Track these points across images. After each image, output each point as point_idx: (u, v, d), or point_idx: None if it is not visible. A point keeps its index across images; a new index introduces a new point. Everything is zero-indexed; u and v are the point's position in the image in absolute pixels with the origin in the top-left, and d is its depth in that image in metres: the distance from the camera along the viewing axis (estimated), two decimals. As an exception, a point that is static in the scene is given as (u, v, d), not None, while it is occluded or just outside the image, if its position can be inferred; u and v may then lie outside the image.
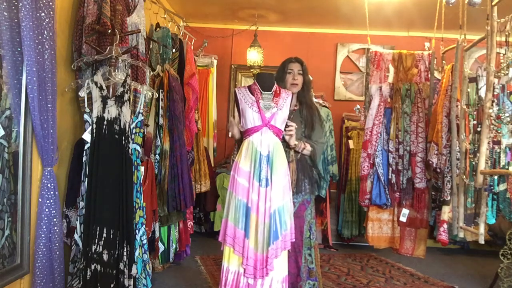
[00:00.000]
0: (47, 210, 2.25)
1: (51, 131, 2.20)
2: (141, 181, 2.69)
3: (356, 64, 5.69)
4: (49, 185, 2.26)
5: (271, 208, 2.48)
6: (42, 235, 2.24)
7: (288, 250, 2.63)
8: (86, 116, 2.47)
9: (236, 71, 5.72)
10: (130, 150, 2.47)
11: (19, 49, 2.03)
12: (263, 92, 2.64)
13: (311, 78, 2.96)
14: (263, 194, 2.48)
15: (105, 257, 2.35)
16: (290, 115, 2.79)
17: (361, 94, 5.38)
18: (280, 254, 2.49)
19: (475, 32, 3.47)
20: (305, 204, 2.79)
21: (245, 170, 2.54)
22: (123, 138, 2.44)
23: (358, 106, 4.98)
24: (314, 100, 3.53)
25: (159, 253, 3.48)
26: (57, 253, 2.30)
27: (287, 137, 2.66)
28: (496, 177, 3.05)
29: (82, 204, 2.44)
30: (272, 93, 2.63)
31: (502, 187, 3.08)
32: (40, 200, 2.26)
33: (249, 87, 2.69)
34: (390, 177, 4.01)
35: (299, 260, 2.71)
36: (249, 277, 2.46)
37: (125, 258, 2.36)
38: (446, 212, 3.81)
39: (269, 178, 2.50)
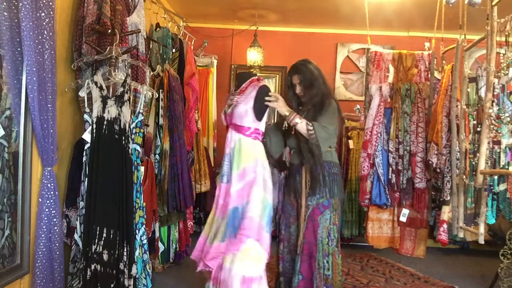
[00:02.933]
0: (47, 210, 2.25)
1: (51, 131, 2.20)
2: (141, 181, 2.69)
3: (356, 64, 5.69)
4: (49, 185, 2.26)
5: (230, 204, 2.52)
6: (42, 235, 2.24)
7: (303, 254, 2.63)
8: (86, 116, 2.47)
9: (236, 71, 5.72)
10: (130, 150, 2.47)
11: (19, 49, 2.03)
12: (232, 92, 2.73)
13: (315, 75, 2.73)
14: (223, 190, 2.57)
15: (105, 257, 2.35)
16: (302, 115, 2.73)
17: (361, 94, 5.38)
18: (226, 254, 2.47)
19: (475, 32, 3.47)
20: (320, 208, 2.63)
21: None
22: (123, 138, 2.44)
23: (358, 106, 4.98)
24: None
25: (159, 253, 3.49)
26: (57, 253, 2.30)
27: (271, 105, 2.61)
28: (496, 177, 3.05)
29: (82, 204, 2.44)
30: (237, 91, 2.68)
31: (502, 187, 3.08)
32: (40, 200, 2.26)
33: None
34: (390, 177, 4.01)
35: (313, 265, 2.61)
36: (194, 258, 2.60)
37: (125, 258, 2.36)
38: (446, 212, 3.81)
39: (229, 175, 2.56)
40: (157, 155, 3.42)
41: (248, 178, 2.51)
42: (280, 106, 2.61)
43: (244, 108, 2.58)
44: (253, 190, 2.49)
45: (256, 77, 2.73)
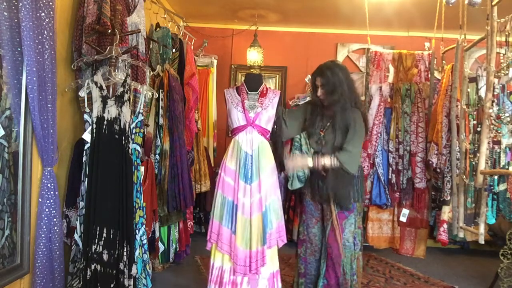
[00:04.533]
0: (47, 210, 2.25)
1: (51, 131, 2.20)
2: (141, 181, 2.69)
3: (356, 64, 5.69)
4: (49, 185, 2.26)
5: (260, 206, 2.54)
6: (42, 235, 2.24)
7: (328, 259, 2.64)
8: (86, 116, 2.47)
9: (236, 71, 5.72)
10: (130, 150, 2.47)
11: (19, 49, 2.03)
12: (249, 92, 2.71)
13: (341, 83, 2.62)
14: (248, 192, 2.55)
15: (105, 257, 2.35)
16: (325, 129, 2.66)
17: (361, 94, 5.36)
18: (266, 254, 2.56)
19: (475, 32, 3.47)
20: (345, 212, 2.63)
21: (231, 169, 2.63)
22: (123, 138, 2.44)
23: (358, 106, 4.98)
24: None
25: (159, 253, 3.49)
26: (57, 253, 2.30)
27: (296, 168, 2.63)
28: (496, 177, 3.05)
29: (82, 204, 2.44)
30: (258, 93, 2.70)
31: (502, 187, 3.08)
32: (40, 200, 2.26)
33: (237, 88, 2.77)
34: (390, 177, 4.02)
35: (337, 271, 2.62)
36: (239, 275, 2.53)
37: (125, 258, 2.36)
38: (446, 212, 3.81)
39: (255, 176, 2.57)
40: (157, 155, 3.42)
41: (271, 180, 2.61)
42: (299, 165, 2.61)
43: (272, 112, 2.66)
44: (272, 193, 2.61)
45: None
